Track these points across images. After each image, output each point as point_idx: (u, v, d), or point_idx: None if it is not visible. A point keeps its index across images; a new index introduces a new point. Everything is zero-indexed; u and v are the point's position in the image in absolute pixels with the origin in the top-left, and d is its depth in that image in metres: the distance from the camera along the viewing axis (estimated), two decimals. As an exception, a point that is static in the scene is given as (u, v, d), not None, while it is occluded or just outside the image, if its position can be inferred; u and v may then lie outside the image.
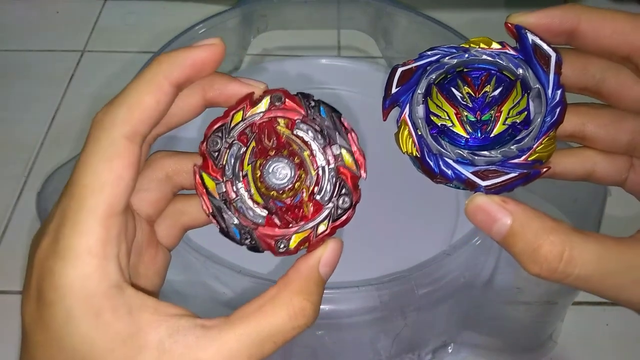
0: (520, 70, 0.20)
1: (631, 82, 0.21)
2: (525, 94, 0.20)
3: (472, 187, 0.20)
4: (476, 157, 0.20)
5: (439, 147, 0.20)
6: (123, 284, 0.17)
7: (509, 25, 0.20)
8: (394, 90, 0.21)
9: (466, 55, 0.21)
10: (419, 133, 0.20)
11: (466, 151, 0.20)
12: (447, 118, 0.21)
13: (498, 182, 0.19)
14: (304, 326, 0.18)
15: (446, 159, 0.20)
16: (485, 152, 0.20)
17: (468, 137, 0.20)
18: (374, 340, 0.38)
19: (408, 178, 0.47)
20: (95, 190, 0.17)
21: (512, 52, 0.20)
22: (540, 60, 0.20)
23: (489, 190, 0.20)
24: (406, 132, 0.21)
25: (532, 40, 0.20)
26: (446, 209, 0.44)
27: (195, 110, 0.20)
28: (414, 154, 0.20)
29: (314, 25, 0.57)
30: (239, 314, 0.18)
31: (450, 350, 0.42)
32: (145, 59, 0.50)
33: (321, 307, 0.36)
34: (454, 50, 0.21)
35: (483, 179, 0.20)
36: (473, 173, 0.20)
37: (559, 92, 0.19)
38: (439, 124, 0.21)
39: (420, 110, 0.20)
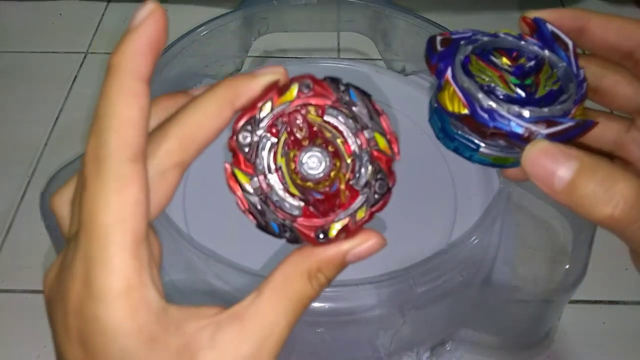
0: (547, 52, 0.22)
1: (626, 81, 0.22)
2: (554, 70, 0.22)
3: (527, 140, 0.19)
4: (526, 110, 0.19)
5: (491, 102, 0.19)
6: (165, 304, 0.17)
7: (527, 19, 0.22)
8: (439, 49, 0.21)
9: (496, 38, 0.22)
10: (467, 90, 0.20)
11: (517, 106, 0.19)
12: (492, 80, 0.21)
13: (557, 130, 0.19)
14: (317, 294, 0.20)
15: (500, 111, 0.20)
16: (536, 108, 0.20)
17: (515, 96, 0.21)
18: (373, 337, 0.38)
19: (408, 177, 0.47)
20: (117, 226, 0.16)
21: (533, 40, 0.22)
22: (561, 46, 0.22)
23: (551, 138, 0.19)
24: (451, 91, 0.20)
25: (552, 29, 0.22)
26: (444, 208, 0.44)
27: (226, 123, 0.19)
28: (462, 112, 0.20)
29: (314, 27, 0.57)
30: (269, 285, 0.19)
31: (448, 348, 0.42)
32: (148, 61, 0.51)
33: (321, 304, 0.36)
34: (484, 33, 0.22)
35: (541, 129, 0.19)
36: (531, 123, 0.19)
37: (582, 70, 0.21)
38: (485, 85, 0.21)
39: (462, 71, 0.21)
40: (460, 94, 0.20)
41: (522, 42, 0.22)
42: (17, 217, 0.50)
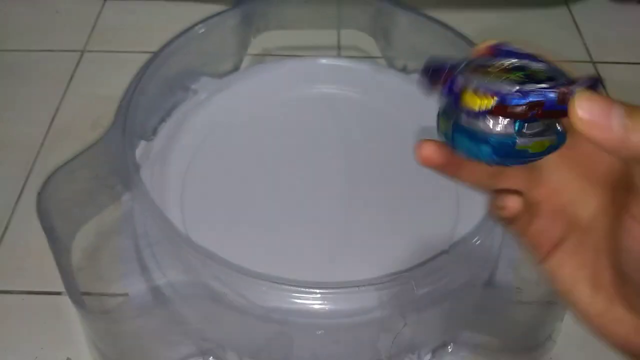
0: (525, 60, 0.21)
1: None
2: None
3: (564, 102, 0.19)
4: (547, 82, 0.20)
5: (514, 84, 0.20)
6: None
7: (481, 49, 0.22)
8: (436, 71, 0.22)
9: (476, 59, 0.22)
10: (487, 83, 0.20)
11: (533, 82, 0.20)
12: (498, 76, 0.21)
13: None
14: None
15: (526, 88, 0.20)
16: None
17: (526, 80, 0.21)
18: (374, 340, 0.38)
19: (408, 178, 0.47)
20: None
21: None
22: (530, 57, 0.21)
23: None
24: (470, 91, 0.20)
25: (512, 48, 0.22)
26: (446, 209, 0.44)
27: None
28: (492, 103, 0.20)
29: (314, 25, 0.57)
30: None
31: (450, 350, 0.42)
32: (146, 59, 0.50)
33: (321, 306, 0.36)
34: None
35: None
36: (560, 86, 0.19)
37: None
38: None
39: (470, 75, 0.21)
40: (481, 89, 0.20)
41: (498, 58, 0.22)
42: (14, 218, 0.50)
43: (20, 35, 0.67)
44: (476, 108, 0.20)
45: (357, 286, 0.35)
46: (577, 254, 0.23)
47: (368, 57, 0.62)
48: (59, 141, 0.56)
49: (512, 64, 0.21)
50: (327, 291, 0.35)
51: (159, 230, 0.40)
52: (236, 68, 0.58)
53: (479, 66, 0.21)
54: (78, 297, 0.38)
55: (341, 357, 0.40)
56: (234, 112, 0.52)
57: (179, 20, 0.54)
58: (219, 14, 0.52)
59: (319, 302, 0.36)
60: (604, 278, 0.21)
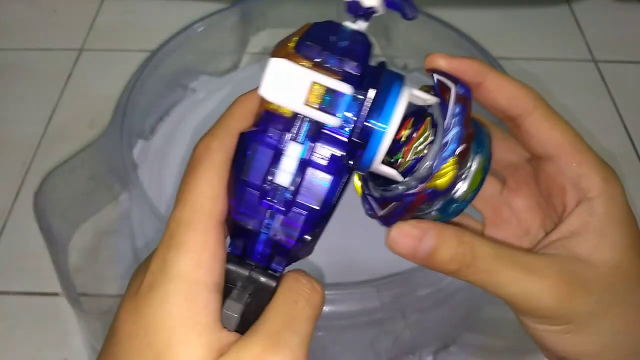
0: (430, 109, 0.21)
1: (500, 136, 0.24)
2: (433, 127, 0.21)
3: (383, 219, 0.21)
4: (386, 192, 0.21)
5: (367, 191, 0.22)
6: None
7: (427, 68, 0.22)
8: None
9: None
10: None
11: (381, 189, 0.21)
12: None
13: (388, 211, 0.21)
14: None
15: (369, 197, 0.22)
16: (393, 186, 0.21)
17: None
18: (375, 341, 0.38)
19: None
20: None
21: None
22: (445, 94, 0.20)
23: (384, 220, 0.21)
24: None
25: (437, 78, 0.21)
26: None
27: None
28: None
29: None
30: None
31: (451, 352, 0.41)
32: (144, 58, 0.50)
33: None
34: None
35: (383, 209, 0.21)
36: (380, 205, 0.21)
37: (454, 120, 0.19)
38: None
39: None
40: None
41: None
42: (11, 218, 0.50)
43: (18, 34, 0.67)
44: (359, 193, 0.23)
45: (358, 287, 0.35)
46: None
47: (368, 56, 0.61)
48: (56, 141, 0.56)
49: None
50: (327, 293, 0.35)
51: (157, 230, 0.40)
52: (235, 67, 0.58)
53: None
54: (75, 297, 0.38)
55: (342, 359, 0.40)
56: (233, 112, 0.51)
57: (178, 19, 0.54)
58: (218, 12, 0.52)
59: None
60: None
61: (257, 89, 0.19)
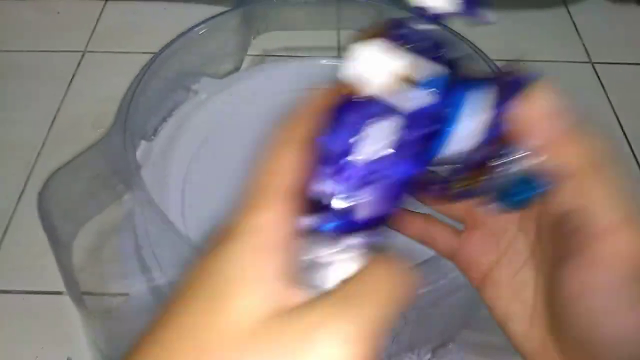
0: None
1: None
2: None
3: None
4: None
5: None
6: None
7: None
8: None
9: None
10: None
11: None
12: None
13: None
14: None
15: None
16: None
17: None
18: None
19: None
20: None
21: None
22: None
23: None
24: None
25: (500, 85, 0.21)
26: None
27: None
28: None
29: (314, 26, 0.57)
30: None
31: (450, 349, 0.42)
32: (147, 59, 0.50)
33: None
34: None
35: None
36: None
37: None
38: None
39: None
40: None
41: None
42: (15, 218, 0.50)
43: (21, 36, 0.67)
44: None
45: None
46: (511, 286, 0.21)
47: (368, 58, 0.62)
48: (60, 141, 0.56)
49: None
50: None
51: (160, 230, 0.40)
52: (236, 69, 0.58)
53: None
54: (79, 296, 0.38)
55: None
56: (235, 113, 0.52)
57: (180, 21, 0.54)
58: (219, 15, 0.53)
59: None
60: (543, 319, 0.20)
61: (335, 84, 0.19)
